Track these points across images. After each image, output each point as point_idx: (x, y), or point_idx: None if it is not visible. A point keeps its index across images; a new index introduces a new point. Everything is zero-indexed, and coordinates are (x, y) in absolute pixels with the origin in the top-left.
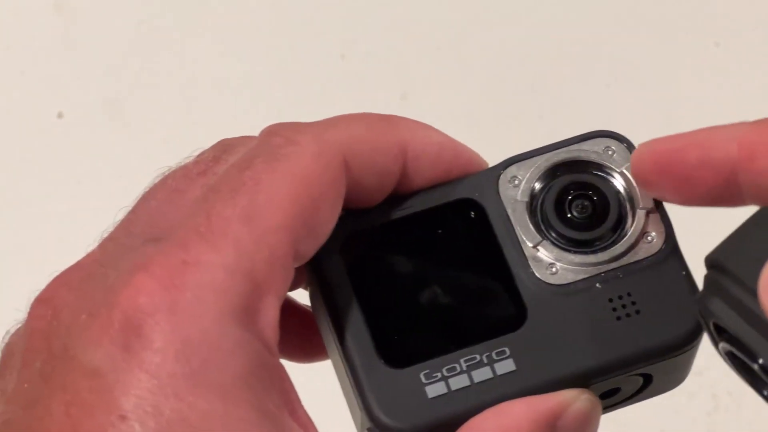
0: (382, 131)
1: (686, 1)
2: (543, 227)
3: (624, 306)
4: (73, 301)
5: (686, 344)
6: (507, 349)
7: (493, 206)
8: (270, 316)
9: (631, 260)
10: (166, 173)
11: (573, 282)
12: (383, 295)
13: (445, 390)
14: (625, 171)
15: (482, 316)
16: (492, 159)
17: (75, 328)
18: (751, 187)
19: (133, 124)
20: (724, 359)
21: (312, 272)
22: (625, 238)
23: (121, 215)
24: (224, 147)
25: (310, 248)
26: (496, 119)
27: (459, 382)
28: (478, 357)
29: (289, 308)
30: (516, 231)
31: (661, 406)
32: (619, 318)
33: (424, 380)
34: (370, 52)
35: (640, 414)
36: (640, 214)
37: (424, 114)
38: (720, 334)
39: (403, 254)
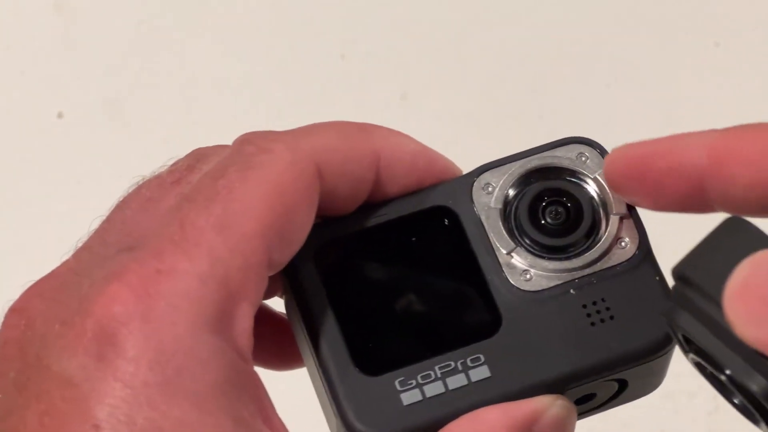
0: (356, 139)
1: (686, 1)
2: (517, 234)
3: (598, 312)
4: (47, 311)
5: (660, 349)
6: (482, 356)
7: (466, 213)
8: (244, 323)
9: (605, 266)
10: (141, 182)
11: (547, 288)
12: (358, 302)
13: (420, 397)
14: (598, 177)
15: (457, 323)
16: (492, 159)
17: (49, 337)
18: (719, 194)
19: (133, 124)
20: (695, 368)
21: (286, 280)
22: (598, 244)
23: (96, 224)
24: (198, 156)
25: (284, 256)
26: (496, 119)
27: (434, 389)
28: (452, 364)
29: (265, 316)
30: (490, 238)
31: (661, 406)
32: (593, 324)
33: (398, 387)
34: (370, 52)
35: (641, 414)
36: (614, 219)
37: (424, 114)
38: (689, 345)
39: (378, 262)
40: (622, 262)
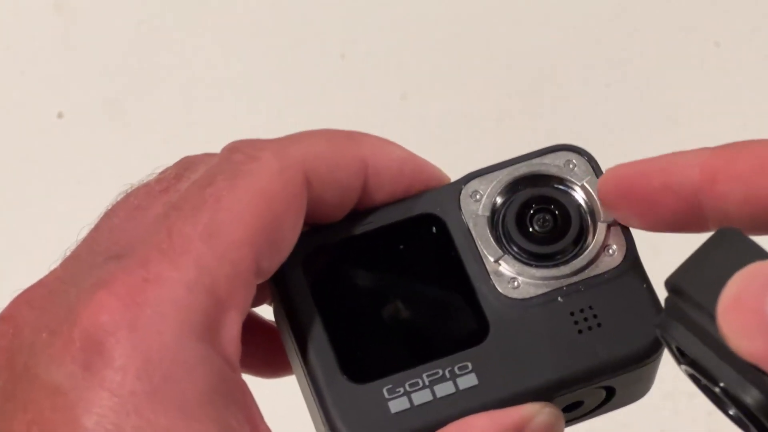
0: (344, 147)
1: (686, 1)
2: (504, 241)
3: (586, 319)
4: (35, 319)
5: (648, 356)
6: (469, 364)
7: (454, 221)
8: (232, 331)
9: (593, 273)
10: (129, 191)
11: (535, 296)
12: (346, 310)
13: (407, 405)
14: (586, 184)
15: (445, 331)
16: (492, 159)
17: (37, 346)
18: (714, 212)
19: (133, 124)
20: (689, 379)
21: (275, 287)
22: (586, 252)
23: (84, 233)
24: (186, 164)
25: (272, 264)
26: (496, 119)
27: (422, 397)
28: (440, 372)
29: (254, 324)
30: (477, 245)
31: (661, 406)
32: (580, 331)
33: (386, 395)
34: (370, 52)
35: (641, 414)
36: (601, 227)
37: (424, 114)
38: (683, 357)
39: (366, 269)
40: (610, 270)
